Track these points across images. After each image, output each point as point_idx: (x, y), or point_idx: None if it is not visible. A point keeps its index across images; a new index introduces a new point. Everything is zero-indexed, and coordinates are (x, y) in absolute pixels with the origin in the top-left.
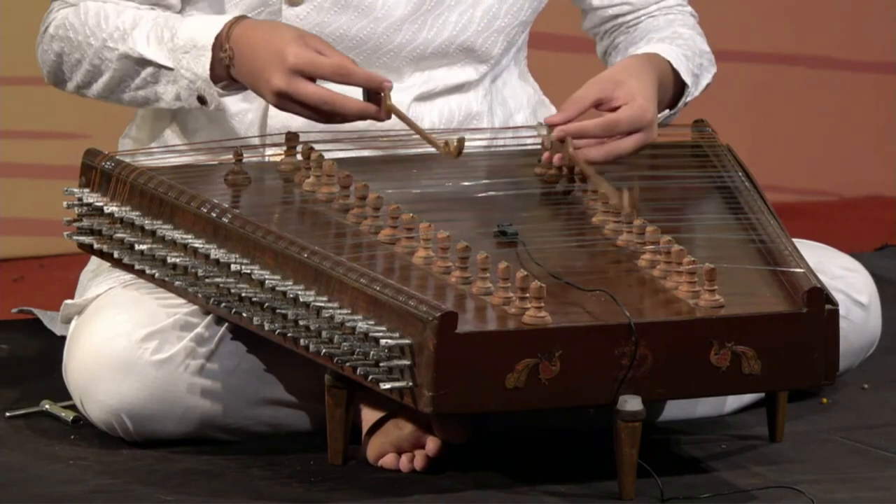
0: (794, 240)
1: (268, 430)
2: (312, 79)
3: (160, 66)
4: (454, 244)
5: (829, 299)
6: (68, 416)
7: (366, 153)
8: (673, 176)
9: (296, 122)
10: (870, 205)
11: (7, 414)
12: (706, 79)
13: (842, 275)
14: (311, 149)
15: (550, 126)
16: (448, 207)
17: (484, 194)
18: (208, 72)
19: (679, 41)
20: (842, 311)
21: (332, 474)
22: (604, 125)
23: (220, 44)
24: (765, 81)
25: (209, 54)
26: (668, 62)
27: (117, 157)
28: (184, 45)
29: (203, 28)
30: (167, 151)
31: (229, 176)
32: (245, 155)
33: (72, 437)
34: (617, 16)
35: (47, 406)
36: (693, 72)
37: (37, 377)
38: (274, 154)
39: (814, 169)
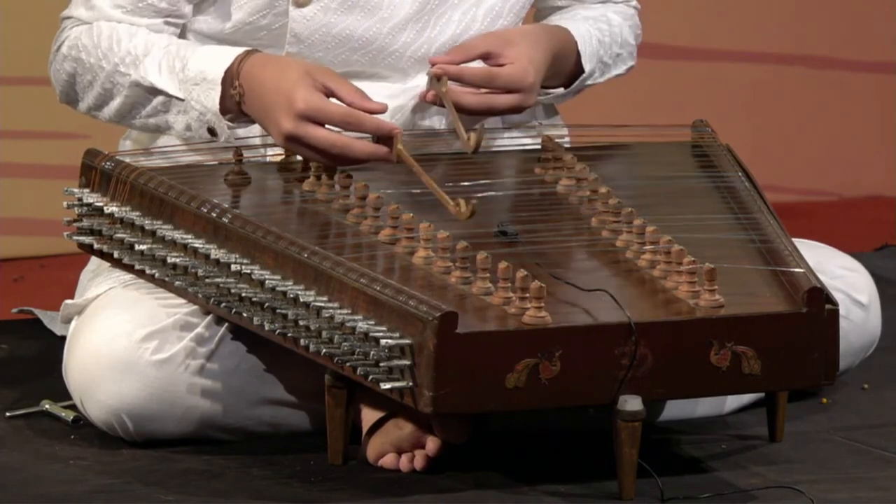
0: (794, 240)
1: (268, 429)
2: (322, 123)
3: (171, 97)
4: (454, 244)
5: (830, 299)
6: (68, 416)
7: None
8: (673, 176)
9: None
10: (870, 205)
11: (7, 414)
12: (618, 70)
13: (842, 274)
14: None
15: (433, 64)
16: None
17: (484, 194)
18: (218, 106)
19: (602, 25)
20: (842, 311)
21: (332, 474)
22: (482, 75)
23: (230, 79)
24: (765, 81)
25: (219, 88)
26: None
27: (117, 157)
28: (194, 76)
29: (213, 61)
30: (167, 151)
31: (229, 176)
32: (245, 155)
33: (72, 437)
34: (561, 7)
35: (47, 406)
36: (601, 59)
37: (37, 377)
38: (274, 154)
39: (814, 169)
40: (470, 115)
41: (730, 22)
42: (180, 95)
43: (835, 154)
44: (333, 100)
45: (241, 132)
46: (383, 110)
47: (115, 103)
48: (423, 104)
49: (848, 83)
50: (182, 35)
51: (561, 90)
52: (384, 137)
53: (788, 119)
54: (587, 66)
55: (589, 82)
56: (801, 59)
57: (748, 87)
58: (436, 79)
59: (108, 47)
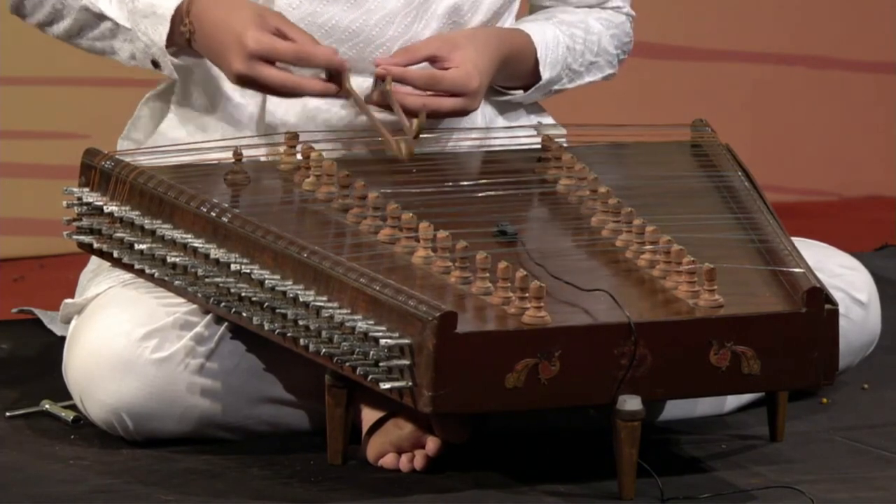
0: (794, 238)
1: (267, 429)
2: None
3: (118, 25)
4: (454, 244)
5: (829, 299)
6: (68, 416)
7: (365, 152)
8: (673, 176)
9: (293, 116)
10: (870, 205)
11: (7, 414)
12: (592, 77)
13: (841, 273)
14: (311, 148)
15: (377, 64)
16: (448, 207)
17: (484, 194)
18: (164, 41)
19: (577, 32)
20: (841, 310)
21: (332, 474)
22: (426, 77)
23: (180, 17)
24: (765, 81)
25: (167, 24)
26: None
27: (117, 156)
28: (143, 9)
29: None
30: (166, 151)
31: (229, 175)
32: (244, 154)
33: (72, 437)
34: (546, 6)
35: (47, 406)
36: (570, 66)
37: (37, 377)
38: (273, 154)
39: (814, 169)
40: (413, 117)
41: (730, 22)
42: (127, 25)
43: (835, 154)
44: None
45: (240, 123)
46: (333, 52)
47: (65, 23)
48: None
49: (848, 83)
50: None
51: (521, 92)
52: (335, 75)
53: (788, 119)
54: (546, 73)
55: (556, 87)
56: (801, 59)
57: (748, 87)
58: (380, 79)
59: None
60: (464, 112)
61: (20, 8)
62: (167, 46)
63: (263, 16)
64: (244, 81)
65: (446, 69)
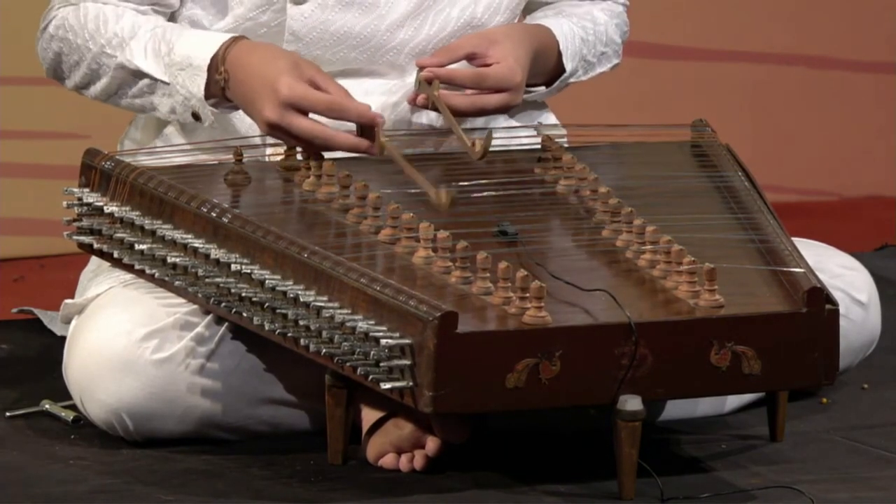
0: (794, 238)
1: (268, 429)
2: (306, 112)
3: (156, 80)
4: (454, 244)
5: (829, 299)
6: (68, 416)
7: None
8: (673, 176)
9: None
10: (870, 205)
11: (7, 414)
12: (603, 68)
13: (841, 273)
14: None
15: (421, 67)
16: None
17: (484, 194)
18: (203, 92)
19: (587, 24)
20: (841, 310)
21: (332, 474)
22: (472, 76)
23: (215, 65)
24: (765, 81)
25: (205, 75)
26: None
27: (117, 156)
28: (180, 61)
29: (200, 46)
30: (167, 151)
31: (229, 176)
32: (245, 154)
33: (72, 437)
34: (548, 2)
35: (47, 406)
36: (584, 57)
37: (37, 377)
38: (274, 153)
39: (814, 169)
40: (460, 116)
41: (730, 22)
42: (165, 79)
43: (835, 154)
44: None
45: (241, 129)
46: (367, 108)
47: (102, 83)
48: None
49: (848, 83)
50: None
51: (543, 88)
52: (367, 129)
53: (788, 119)
54: (569, 66)
55: (572, 80)
56: (801, 59)
57: (748, 87)
58: (426, 83)
59: (94, 28)
60: (508, 107)
61: (57, 71)
62: (206, 98)
63: (299, 65)
64: (274, 129)
65: (487, 65)
